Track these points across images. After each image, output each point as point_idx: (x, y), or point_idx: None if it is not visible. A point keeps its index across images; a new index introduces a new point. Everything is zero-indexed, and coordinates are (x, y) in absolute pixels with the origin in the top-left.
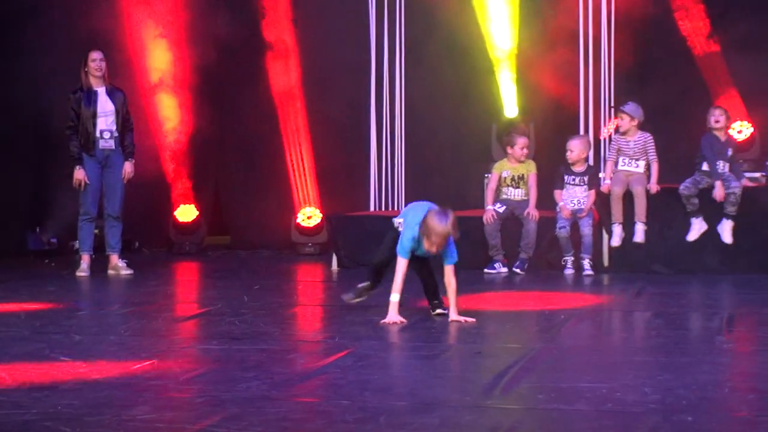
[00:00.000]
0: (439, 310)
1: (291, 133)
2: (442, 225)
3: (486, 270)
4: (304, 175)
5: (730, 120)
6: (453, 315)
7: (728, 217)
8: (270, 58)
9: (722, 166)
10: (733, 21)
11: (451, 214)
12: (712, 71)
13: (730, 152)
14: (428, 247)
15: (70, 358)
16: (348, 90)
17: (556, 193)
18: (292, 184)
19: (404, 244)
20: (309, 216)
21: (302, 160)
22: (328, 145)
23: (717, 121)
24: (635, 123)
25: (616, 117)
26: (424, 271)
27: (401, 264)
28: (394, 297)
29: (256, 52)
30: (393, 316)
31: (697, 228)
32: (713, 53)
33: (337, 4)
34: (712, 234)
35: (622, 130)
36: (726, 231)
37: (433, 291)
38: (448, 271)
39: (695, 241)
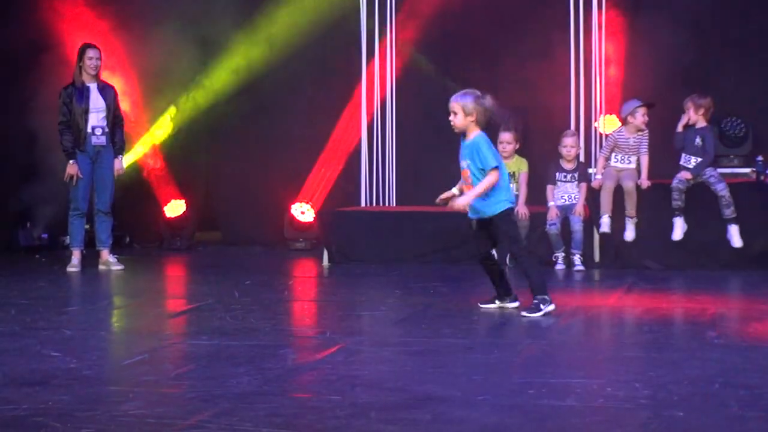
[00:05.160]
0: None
1: (284, 128)
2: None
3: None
4: (297, 170)
5: (704, 107)
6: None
7: (730, 221)
8: (259, 54)
9: (695, 162)
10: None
11: (468, 98)
12: None
13: (698, 141)
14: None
15: (61, 353)
16: (340, 87)
17: (549, 188)
18: (284, 179)
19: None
20: (302, 212)
21: (295, 155)
22: (321, 141)
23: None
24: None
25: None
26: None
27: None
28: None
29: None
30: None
31: (680, 227)
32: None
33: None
34: (701, 230)
35: (690, 122)
36: (734, 236)
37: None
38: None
39: (686, 237)
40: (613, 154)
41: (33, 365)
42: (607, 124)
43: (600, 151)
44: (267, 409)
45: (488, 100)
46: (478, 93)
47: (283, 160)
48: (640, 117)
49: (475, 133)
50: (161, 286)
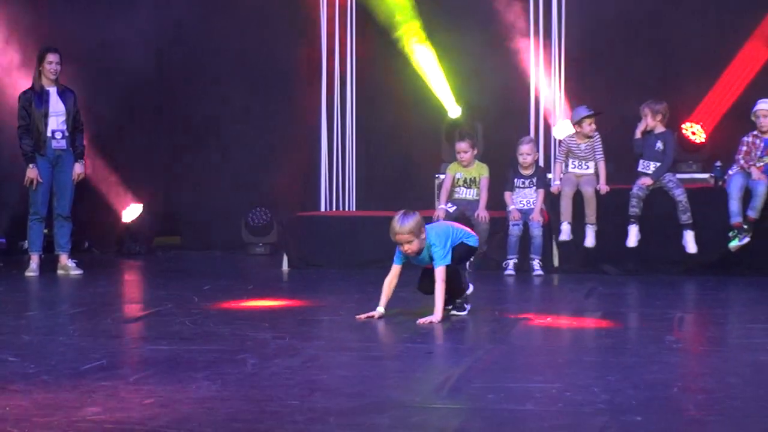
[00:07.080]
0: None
1: (241, 133)
2: (395, 224)
3: None
4: (256, 175)
5: (660, 112)
6: (433, 316)
7: (686, 227)
8: (221, 60)
9: (654, 167)
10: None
11: (410, 218)
12: None
13: (659, 145)
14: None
15: (19, 358)
16: (300, 91)
17: (506, 195)
18: (242, 183)
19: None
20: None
21: (253, 159)
22: (281, 146)
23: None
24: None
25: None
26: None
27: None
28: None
29: (207, 54)
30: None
31: (634, 234)
32: None
33: (289, 5)
34: (660, 235)
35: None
36: (689, 242)
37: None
38: (436, 273)
39: (644, 242)
40: (570, 160)
41: None
42: (562, 130)
43: (555, 158)
44: (226, 414)
45: None
46: None
47: (242, 163)
48: (586, 126)
49: None
50: (120, 290)
